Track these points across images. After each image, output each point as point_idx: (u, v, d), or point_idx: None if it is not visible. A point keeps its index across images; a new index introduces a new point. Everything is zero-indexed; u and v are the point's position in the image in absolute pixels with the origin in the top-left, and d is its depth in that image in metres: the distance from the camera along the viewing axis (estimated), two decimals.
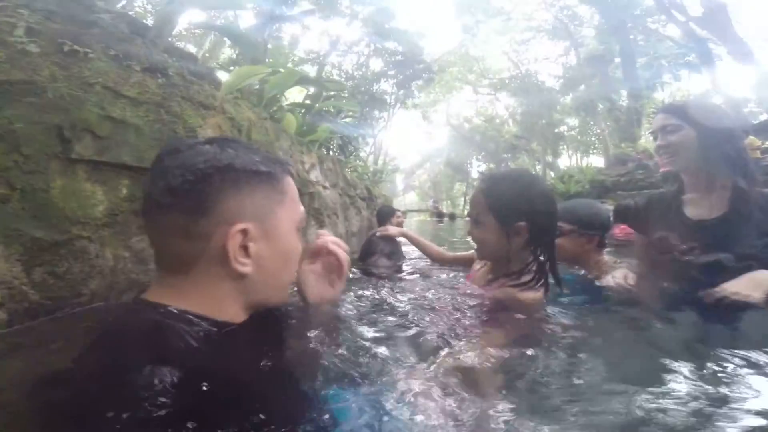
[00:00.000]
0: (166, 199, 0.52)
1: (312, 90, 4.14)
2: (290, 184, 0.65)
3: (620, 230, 3.06)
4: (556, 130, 24.02)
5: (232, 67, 3.67)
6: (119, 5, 2.10)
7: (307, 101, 3.98)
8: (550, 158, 25.25)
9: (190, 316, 0.53)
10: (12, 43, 0.83)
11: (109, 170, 0.94)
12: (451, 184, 31.32)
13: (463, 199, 30.60)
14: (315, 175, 2.85)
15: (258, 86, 2.73)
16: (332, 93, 4.62)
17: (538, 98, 21.76)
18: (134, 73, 1.13)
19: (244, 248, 0.57)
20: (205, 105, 1.49)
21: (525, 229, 0.98)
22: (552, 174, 20.92)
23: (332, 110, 5.22)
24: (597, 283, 1.33)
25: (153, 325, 0.50)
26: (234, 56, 4.67)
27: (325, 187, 3.06)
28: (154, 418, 0.40)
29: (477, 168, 29.10)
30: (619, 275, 1.23)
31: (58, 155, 0.80)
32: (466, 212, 25.05)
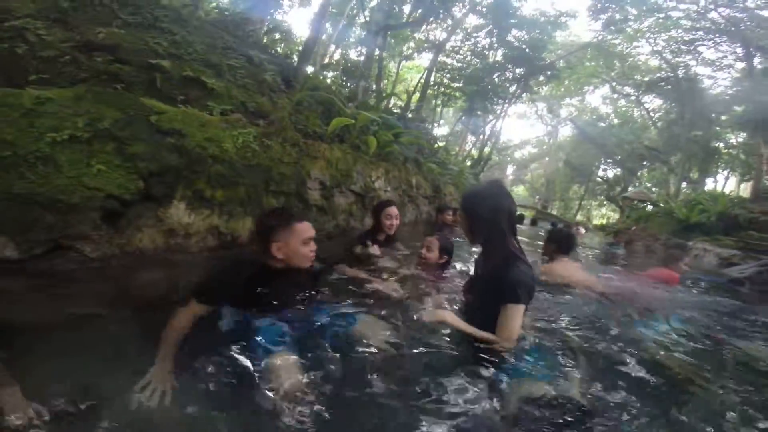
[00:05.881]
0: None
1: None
2: (298, 225, 1.73)
3: None
4: (712, 145, 20.78)
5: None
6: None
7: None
8: (695, 175, 22.14)
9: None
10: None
11: None
12: (567, 184, 29.36)
13: (578, 203, 28.76)
14: (378, 184, 4.59)
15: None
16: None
17: (697, 106, 19.06)
18: (277, 144, 2.98)
19: (278, 249, 1.71)
20: (314, 156, 3.33)
21: None
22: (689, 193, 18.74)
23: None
24: None
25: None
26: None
27: (386, 191, 4.78)
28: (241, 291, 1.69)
29: (602, 173, 26.89)
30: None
31: None
32: (577, 218, 23.70)
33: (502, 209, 1.60)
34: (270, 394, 1.30)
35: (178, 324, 1.57)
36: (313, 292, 1.94)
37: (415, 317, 1.80)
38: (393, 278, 2.50)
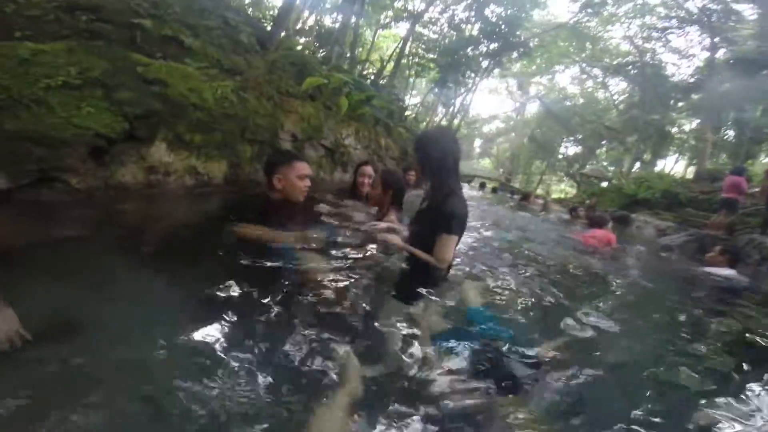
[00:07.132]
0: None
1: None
2: (297, 163, 2.04)
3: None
4: (666, 129, 22.03)
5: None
6: None
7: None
8: (648, 156, 23.55)
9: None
10: None
11: None
12: (531, 159, 30.45)
13: (539, 177, 29.98)
14: (349, 141, 4.87)
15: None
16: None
17: (658, 91, 20.02)
18: (253, 98, 3.21)
19: (279, 181, 2.03)
20: (288, 110, 3.56)
21: None
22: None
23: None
24: None
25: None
26: None
27: (356, 149, 5.07)
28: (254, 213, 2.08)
29: (563, 150, 28.01)
30: None
31: None
32: (537, 191, 24.86)
33: (449, 152, 1.87)
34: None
35: (252, 229, 1.89)
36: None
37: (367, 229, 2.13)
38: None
